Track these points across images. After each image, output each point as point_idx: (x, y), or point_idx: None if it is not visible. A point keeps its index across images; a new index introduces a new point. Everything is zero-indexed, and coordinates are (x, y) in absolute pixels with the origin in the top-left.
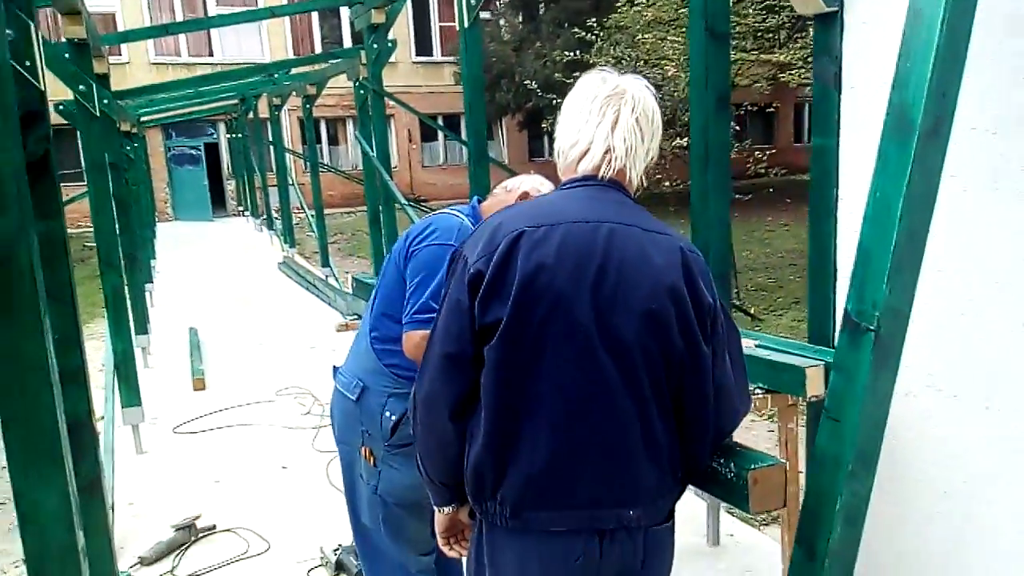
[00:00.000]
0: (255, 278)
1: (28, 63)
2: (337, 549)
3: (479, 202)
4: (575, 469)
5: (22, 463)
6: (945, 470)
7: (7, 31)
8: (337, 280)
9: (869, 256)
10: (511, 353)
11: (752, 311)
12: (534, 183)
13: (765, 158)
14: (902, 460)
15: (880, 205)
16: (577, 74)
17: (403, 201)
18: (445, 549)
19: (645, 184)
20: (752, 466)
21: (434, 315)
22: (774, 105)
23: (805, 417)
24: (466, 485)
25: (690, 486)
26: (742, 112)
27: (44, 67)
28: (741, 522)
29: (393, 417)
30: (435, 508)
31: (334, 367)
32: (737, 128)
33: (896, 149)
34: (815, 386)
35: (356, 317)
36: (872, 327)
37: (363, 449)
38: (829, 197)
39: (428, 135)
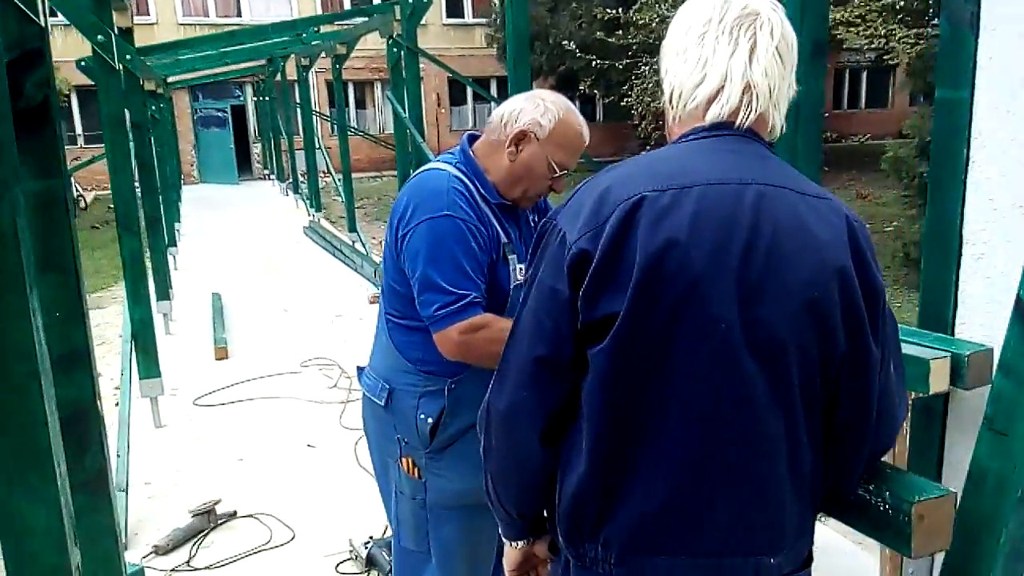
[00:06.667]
0: (280, 243)
1: None
2: (368, 542)
3: (470, 141)
4: (705, 506)
5: (3, 474)
6: None
7: None
8: (364, 245)
9: None
10: (628, 358)
11: None
12: (534, 115)
13: None
14: None
15: None
16: (619, 32)
17: None
18: None
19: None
20: (916, 497)
21: (460, 297)
22: None
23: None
24: (557, 522)
25: None
26: None
27: (47, 2)
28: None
29: (429, 419)
30: (505, 541)
31: (358, 368)
32: None
33: None
34: (940, 381)
35: None
36: None
37: (403, 461)
38: (957, 160)
39: (457, 99)
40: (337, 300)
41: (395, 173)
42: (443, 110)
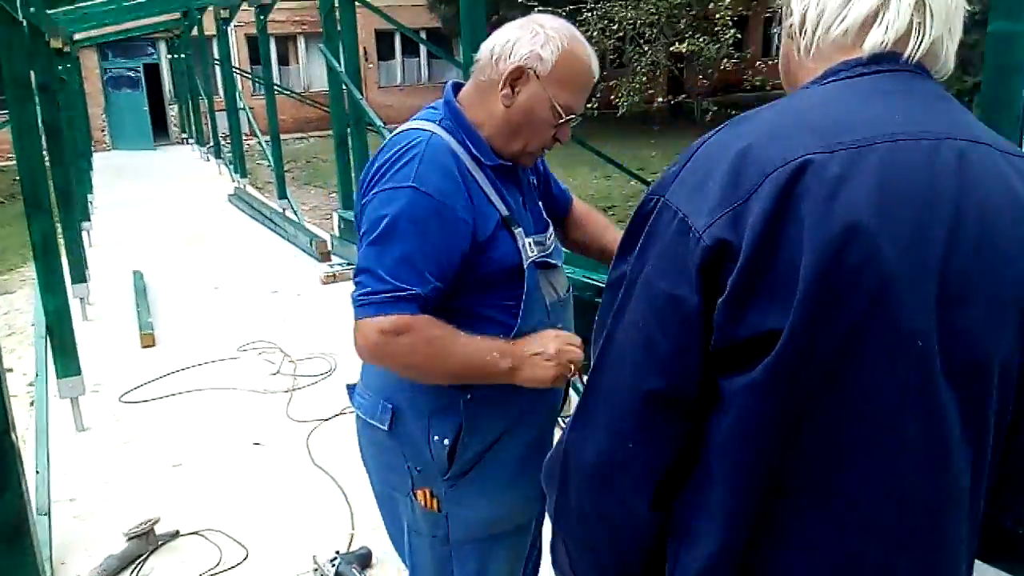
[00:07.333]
0: (204, 212)
1: None
2: (335, 558)
3: (455, 89)
4: None
5: None
6: None
7: None
8: (296, 213)
9: None
10: (790, 392)
11: None
12: (532, 46)
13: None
14: None
15: None
16: None
17: (378, 123)
18: None
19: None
20: None
21: (395, 289)
22: (744, 12)
23: None
24: None
25: None
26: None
27: None
28: None
29: (446, 441)
30: None
31: (348, 386)
32: (739, 36)
33: None
34: None
35: (348, 265)
36: None
37: (418, 493)
38: (1014, 102)
39: (384, 53)
40: (272, 274)
41: (323, 134)
42: (371, 65)
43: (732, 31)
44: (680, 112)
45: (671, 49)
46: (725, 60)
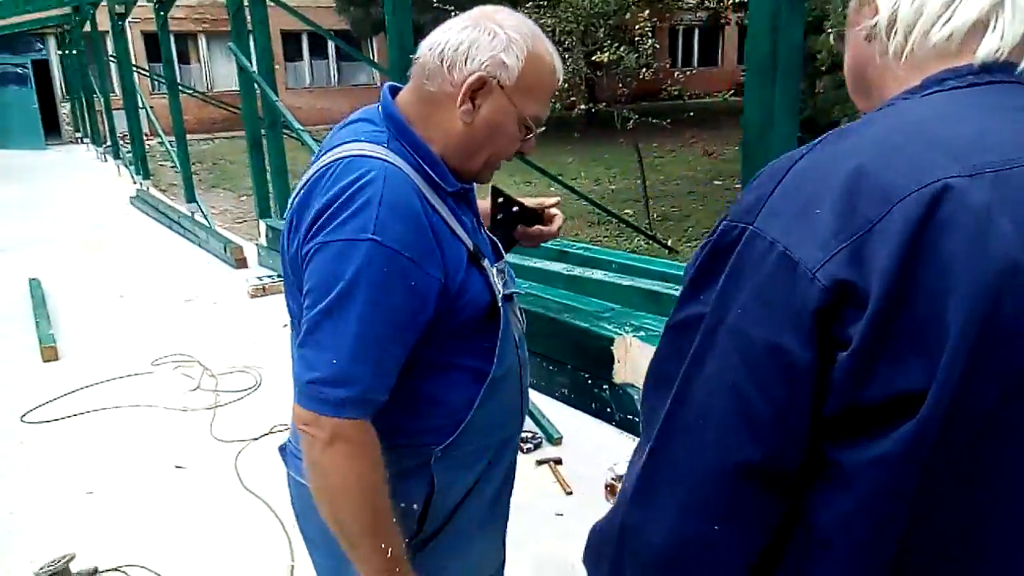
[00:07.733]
0: (105, 215)
1: None
2: None
3: (392, 93)
4: None
5: None
6: None
7: None
8: (207, 217)
9: None
10: (932, 463)
11: (669, 243)
12: (493, 51)
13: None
14: None
15: None
16: None
17: (296, 125)
18: None
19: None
20: None
21: (344, 381)
22: (655, 23)
23: None
24: None
25: None
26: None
27: None
28: None
29: (415, 505)
30: None
31: (281, 447)
32: (656, 46)
33: None
34: None
35: (279, 278)
36: None
37: None
38: None
39: (291, 55)
40: (184, 281)
41: (231, 135)
42: (278, 66)
43: (651, 41)
44: (595, 119)
45: (592, 59)
46: (644, 70)
